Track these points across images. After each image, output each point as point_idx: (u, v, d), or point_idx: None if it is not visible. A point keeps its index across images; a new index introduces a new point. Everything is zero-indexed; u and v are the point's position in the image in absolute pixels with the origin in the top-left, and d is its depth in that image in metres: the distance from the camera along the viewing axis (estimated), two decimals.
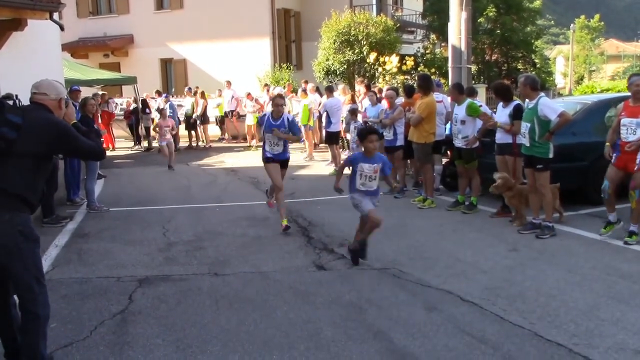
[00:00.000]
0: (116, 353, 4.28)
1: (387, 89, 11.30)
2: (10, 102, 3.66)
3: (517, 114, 7.72)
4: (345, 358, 4.11)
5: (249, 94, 18.30)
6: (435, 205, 8.93)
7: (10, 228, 3.55)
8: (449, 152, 9.85)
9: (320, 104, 14.77)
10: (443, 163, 10.36)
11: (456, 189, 9.19)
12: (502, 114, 8.07)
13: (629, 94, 6.87)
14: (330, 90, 13.93)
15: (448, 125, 9.75)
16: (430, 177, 9.17)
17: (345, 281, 5.72)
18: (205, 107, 18.46)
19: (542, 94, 7.30)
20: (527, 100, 7.26)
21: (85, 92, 13.68)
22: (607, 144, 7.00)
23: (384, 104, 10.66)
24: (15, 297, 3.78)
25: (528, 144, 7.12)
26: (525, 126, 7.15)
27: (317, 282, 5.73)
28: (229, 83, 19.78)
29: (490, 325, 4.57)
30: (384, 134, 9.96)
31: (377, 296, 5.28)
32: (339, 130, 13.38)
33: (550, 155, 7.01)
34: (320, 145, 16.51)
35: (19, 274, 3.63)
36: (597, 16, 54.04)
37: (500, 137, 8.05)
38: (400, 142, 9.98)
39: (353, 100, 12.83)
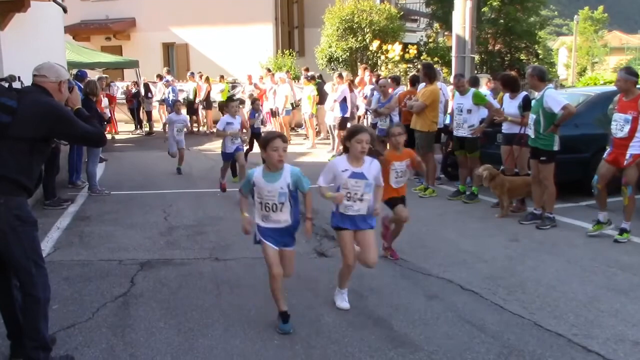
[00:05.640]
0: (118, 335, 4.30)
1: (381, 78, 11.26)
2: (7, 85, 3.60)
3: (526, 105, 7.72)
4: (346, 344, 4.13)
5: (249, 76, 18.15)
6: (436, 195, 8.95)
7: (5, 212, 3.52)
8: (450, 142, 9.84)
9: None
10: (444, 152, 10.35)
11: (457, 178, 9.20)
12: (510, 106, 8.06)
13: None
14: (341, 77, 13.86)
15: (447, 115, 9.75)
16: (432, 166, 9.18)
17: None
18: (209, 92, 18.40)
19: (551, 85, 7.26)
20: (531, 91, 7.23)
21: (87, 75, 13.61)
22: None
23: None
24: None
25: (533, 136, 7.11)
26: (531, 117, 7.14)
27: (318, 268, 5.76)
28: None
29: (490, 315, 4.60)
30: (379, 123, 9.98)
31: (378, 284, 5.30)
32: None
33: (555, 148, 6.97)
34: (321, 134, 16.42)
35: (17, 258, 3.61)
36: (600, 8, 53.74)
37: (507, 127, 8.05)
38: None
39: (351, 87, 12.76)
